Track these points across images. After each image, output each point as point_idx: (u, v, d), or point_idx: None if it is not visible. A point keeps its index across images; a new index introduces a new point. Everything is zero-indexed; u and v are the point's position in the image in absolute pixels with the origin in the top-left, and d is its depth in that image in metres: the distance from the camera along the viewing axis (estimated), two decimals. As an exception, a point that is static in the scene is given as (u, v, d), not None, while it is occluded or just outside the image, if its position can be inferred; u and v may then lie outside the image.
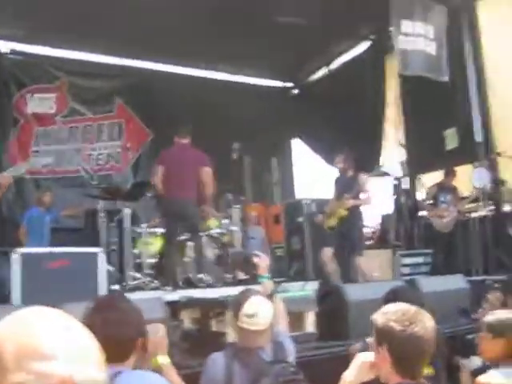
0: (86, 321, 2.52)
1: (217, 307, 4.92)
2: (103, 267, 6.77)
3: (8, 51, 11.03)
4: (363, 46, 12.14)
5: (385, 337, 2.32)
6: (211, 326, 4.93)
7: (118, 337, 2.44)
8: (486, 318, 3.57)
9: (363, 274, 7.79)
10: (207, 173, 7.50)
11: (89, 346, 1.11)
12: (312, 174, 13.64)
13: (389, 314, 2.35)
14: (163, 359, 2.95)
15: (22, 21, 9.97)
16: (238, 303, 3.30)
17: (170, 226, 7.62)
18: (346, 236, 7.98)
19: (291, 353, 3.44)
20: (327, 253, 7.96)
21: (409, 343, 2.27)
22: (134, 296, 6.88)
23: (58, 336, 1.07)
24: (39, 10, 9.34)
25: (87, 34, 10.31)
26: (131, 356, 2.51)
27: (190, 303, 5.47)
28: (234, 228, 8.72)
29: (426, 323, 2.33)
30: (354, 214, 8.01)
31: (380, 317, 2.38)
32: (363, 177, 8.02)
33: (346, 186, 8.02)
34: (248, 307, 3.22)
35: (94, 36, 10.49)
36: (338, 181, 8.39)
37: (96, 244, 8.04)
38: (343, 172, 8.22)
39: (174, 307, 5.25)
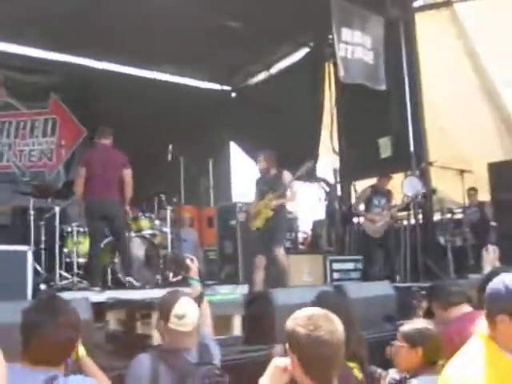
0: (27, 322, 2.50)
1: (143, 309, 4.86)
2: (31, 266, 6.64)
3: None
4: (302, 53, 12.28)
5: (293, 341, 2.33)
6: (137, 327, 4.87)
7: (59, 339, 2.42)
8: (402, 328, 3.56)
9: (283, 268, 7.76)
10: (128, 174, 7.51)
11: None
12: (249, 178, 13.66)
13: (297, 319, 2.36)
14: (82, 350, 2.99)
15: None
16: (167, 304, 3.31)
17: (94, 227, 7.52)
18: (271, 235, 7.93)
19: (217, 355, 3.46)
20: (260, 260, 7.91)
21: (313, 347, 2.26)
22: (64, 295, 6.84)
23: None
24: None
25: (25, 27, 10.10)
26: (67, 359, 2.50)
27: (117, 304, 5.40)
28: (166, 229, 8.67)
29: (332, 327, 2.32)
30: (280, 213, 7.96)
31: (290, 322, 2.38)
32: (287, 174, 7.93)
33: (270, 185, 7.95)
34: (178, 308, 3.24)
35: (31, 30, 10.28)
36: (259, 181, 8.23)
37: (24, 242, 7.86)
38: (265, 172, 8.12)
39: (100, 308, 5.18)
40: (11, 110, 11.20)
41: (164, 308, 3.31)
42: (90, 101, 11.54)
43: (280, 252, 7.79)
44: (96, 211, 7.38)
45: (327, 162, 11.81)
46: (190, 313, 3.26)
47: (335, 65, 10.22)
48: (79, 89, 11.60)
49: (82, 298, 4.60)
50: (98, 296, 6.22)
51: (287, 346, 2.37)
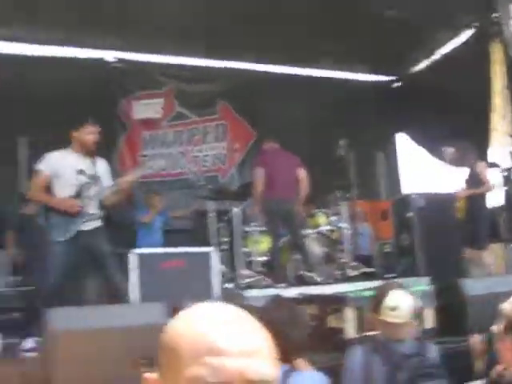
0: (264, 318, 2.53)
1: (334, 303, 4.87)
2: (216, 266, 6.86)
3: (113, 60, 11.38)
4: (465, 35, 11.73)
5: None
6: (329, 321, 4.88)
7: (293, 337, 2.46)
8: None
9: (482, 267, 7.54)
10: (302, 173, 7.63)
11: (262, 342, 1.13)
12: (417, 168, 13.33)
13: None
14: None
15: (126, 30, 10.31)
16: (379, 296, 3.35)
17: (273, 226, 7.67)
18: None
19: (431, 347, 3.40)
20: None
21: None
22: (249, 293, 7.02)
23: (232, 331, 1.11)
24: (139, 20, 9.58)
25: (189, 39, 10.51)
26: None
27: (308, 299, 5.45)
28: (343, 225, 8.63)
29: None
30: (475, 204, 7.79)
31: (509, 305, 2.30)
32: (481, 164, 7.78)
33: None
34: (390, 300, 3.26)
35: (196, 41, 10.69)
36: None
37: (206, 244, 8.18)
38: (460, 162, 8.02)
39: (293, 304, 5.23)
40: (183, 120, 11.68)
41: (376, 300, 3.35)
42: (255, 103, 11.77)
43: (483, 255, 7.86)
44: (274, 210, 7.52)
45: (501, 145, 11.20)
46: (402, 304, 3.25)
47: (503, 43, 9.67)
48: (245, 92, 11.83)
49: (276, 294, 4.66)
50: (289, 292, 6.31)
51: (502, 329, 2.27)
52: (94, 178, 5.94)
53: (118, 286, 5.79)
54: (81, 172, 5.87)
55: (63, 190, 5.81)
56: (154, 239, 8.72)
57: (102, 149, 10.72)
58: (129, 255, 6.44)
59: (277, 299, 2.88)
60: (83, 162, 5.94)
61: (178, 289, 6.38)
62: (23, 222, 8.31)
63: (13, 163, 9.69)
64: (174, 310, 4.11)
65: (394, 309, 3.19)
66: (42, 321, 4.07)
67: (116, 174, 10.74)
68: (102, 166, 6.10)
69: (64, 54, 10.97)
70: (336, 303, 4.80)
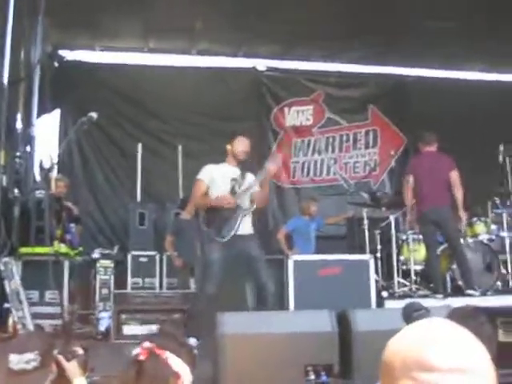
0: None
1: (503, 316, 4.64)
2: (373, 274, 6.79)
3: (264, 69, 11.62)
4: None
5: None
6: (498, 335, 4.65)
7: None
8: None
9: None
10: (455, 176, 7.27)
11: (478, 360, 1.12)
12: None
13: None
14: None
15: (278, 38, 10.49)
16: None
17: (427, 234, 7.45)
18: None
19: None
20: None
21: None
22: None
23: (446, 348, 1.12)
24: (291, 27, 9.69)
25: (337, 44, 10.53)
26: None
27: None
28: (504, 234, 8.24)
29: None
30: None
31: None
32: None
33: None
34: None
35: (345, 46, 10.69)
36: None
37: (360, 251, 8.13)
38: None
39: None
40: (333, 126, 11.69)
41: None
42: (406, 108, 11.59)
43: None
44: (427, 218, 7.32)
45: None
46: None
47: None
48: (395, 97, 11.72)
49: (444, 305, 4.54)
50: (446, 302, 6.11)
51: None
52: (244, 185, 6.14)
53: (269, 292, 5.86)
54: (234, 180, 6.09)
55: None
56: (308, 245, 8.77)
57: (256, 157, 11.23)
58: (287, 262, 6.52)
59: (460, 310, 2.76)
60: (235, 172, 6.15)
61: (335, 296, 6.38)
62: (180, 226, 8.64)
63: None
64: (339, 319, 4.12)
65: None
66: (211, 324, 4.21)
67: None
68: (250, 179, 6.21)
69: (217, 64, 11.37)
70: (506, 316, 4.58)
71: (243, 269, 6.54)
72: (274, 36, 10.32)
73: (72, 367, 2.56)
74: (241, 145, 6.16)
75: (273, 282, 5.92)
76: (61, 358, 2.55)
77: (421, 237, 7.95)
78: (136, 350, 1.97)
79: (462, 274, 7.32)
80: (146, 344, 1.97)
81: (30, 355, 2.24)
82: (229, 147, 6.20)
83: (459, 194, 7.24)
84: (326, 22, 9.49)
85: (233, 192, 6.04)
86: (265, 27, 9.76)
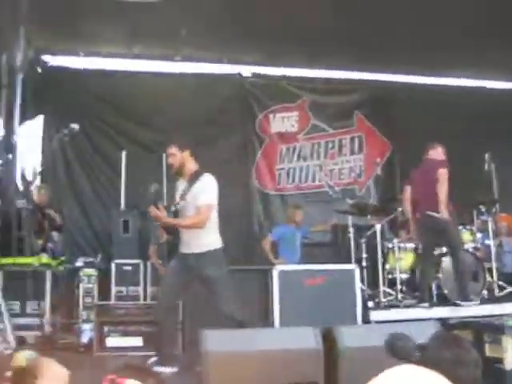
0: (430, 357, 2.38)
1: (491, 331, 4.58)
2: (358, 284, 6.77)
3: (250, 75, 11.57)
4: None
5: None
6: (485, 350, 4.60)
7: (462, 377, 2.27)
8: None
9: None
10: (442, 174, 7.17)
11: None
12: None
13: None
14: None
15: (261, 45, 10.46)
16: None
17: (425, 243, 7.44)
18: None
19: None
20: None
21: None
22: (390, 315, 6.86)
23: None
24: (275, 34, 9.66)
25: (320, 50, 10.49)
26: None
27: (463, 325, 5.19)
28: (489, 242, 8.24)
29: None
30: None
31: None
32: None
33: None
34: None
35: (328, 52, 10.65)
36: None
37: (345, 259, 8.11)
38: None
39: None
40: (319, 132, 11.65)
41: None
42: (391, 115, 11.57)
43: None
44: (424, 225, 7.31)
45: None
46: None
47: None
48: (381, 104, 11.69)
49: (431, 320, 4.50)
50: (432, 312, 6.10)
51: None
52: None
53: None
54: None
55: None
56: (293, 253, 8.73)
57: (241, 162, 11.19)
58: (272, 272, 6.48)
59: (442, 336, 2.70)
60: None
61: (321, 306, 6.36)
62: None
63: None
64: (324, 335, 4.07)
65: None
66: (194, 340, 4.16)
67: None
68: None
69: (202, 70, 11.30)
70: (493, 331, 4.53)
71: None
72: (259, 42, 10.25)
73: None
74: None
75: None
76: None
77: (407, 245, 7.96)
78: None
79: (459, 282, 7.26)
80: (110, 376, 1.97)
81: None
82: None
83: (442, 189, 7.13)
84: (312, 27, 9.43)
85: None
86: (249, 33, 9.70)
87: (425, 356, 2.32)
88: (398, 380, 1.14)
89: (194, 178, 5.58)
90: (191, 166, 5.66)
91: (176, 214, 5.62)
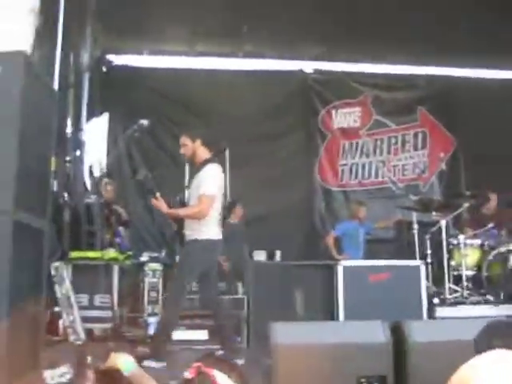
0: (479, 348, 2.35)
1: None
2: (424, 280, 6.69)
3: (311, 71, 11.56)
4: None
5: None
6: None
7: None
8: None
9: None
10: None
11: None
12: None
13: None
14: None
15: (323, 40, 10.44)
16: None
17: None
18: None
19: None
20: None
21: None
22: (456, 312, 6.75)
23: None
24: (337, 29, 9.63)
25: (383, 45, 10.42)
26: None
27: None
28: None
29: None
30: None
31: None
32: None
33: None
34: None
35: (390, 47, 10.56)
36: None
37: (408, 256, 8.00)
38: None
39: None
40: (381, 128, 11.56)
41: None
42: (455, 110, 11.38)
43: None
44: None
45: None
46: None
47: None
48: (444, 99, 11.51)
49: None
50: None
51: None
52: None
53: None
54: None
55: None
56: (357, 249, 8.69)
57: (304, 158, 11.21)
58: (337, 268, 6.47)
59: (496, 324, 2.61)
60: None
61: (386, 303, 6.31)
62: (228, 230, 8.63)
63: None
64: (393, 329, 4.04)
65: None
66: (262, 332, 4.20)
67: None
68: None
69: (264, 67, 11.35)
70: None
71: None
72: (321, 37, 10.25)
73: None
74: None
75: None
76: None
77: (473, 241, 7.82)
78: (186, 373, 2.00)
79: None
80: (195, 364, 2.00)
81: (62, 369, 2.25)
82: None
83: None
84: (374, 22, 9.38)
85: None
86: (311, 28, 9.70)
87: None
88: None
89: (200, 167, 5.64)
90: (202, 154, 5.67)
91: (183, 203, 5.76)
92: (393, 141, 11.53)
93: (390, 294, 6.44)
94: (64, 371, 2.24)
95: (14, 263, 4.11)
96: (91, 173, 8.89)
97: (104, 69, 10.81)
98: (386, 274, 6.54)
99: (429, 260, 7.80)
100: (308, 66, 11.60)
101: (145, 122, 5.91)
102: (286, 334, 3.93)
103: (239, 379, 2.00)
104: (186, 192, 6.02)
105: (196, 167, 5.73)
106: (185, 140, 5.69)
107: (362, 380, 3.85)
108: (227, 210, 8.86)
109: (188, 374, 1.97)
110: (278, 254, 8.46)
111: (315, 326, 4.26)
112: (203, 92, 10.66)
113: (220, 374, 1.95)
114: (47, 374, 2.23)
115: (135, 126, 5.96)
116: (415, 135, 11.59)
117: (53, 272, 6.19)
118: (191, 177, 6.03)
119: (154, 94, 10.67)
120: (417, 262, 6.85)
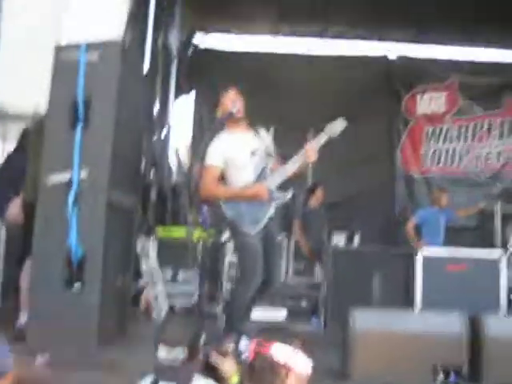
0: None
1: None
2: (504, 272, 6.60)
3: (395, 58, 11.45)
4: None
5: None
6: None
7: None
8: None
9: None
10: None
11: None
12: None
13: None
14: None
15: (409, 23, 10.33)
16: None
17: None
18: None
19: None
20: None
21: None
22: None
23: None
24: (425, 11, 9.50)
25: (471, 28, 10.23)
26: None
27: None
28: None
29: None
30: None
31: None
32: None
33: None
34: None
35: (480, 30, 10.34)
36: None
37: (489, 245, 7.88)
38: None
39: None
40: (467, 114, 11.32)
41: None
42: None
43: None
44: None
45: None
46: None
47: None
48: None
49: None
50: None
51: None
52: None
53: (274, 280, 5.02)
54: (253, 154, 5.03)
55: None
56: (436, 237, 8.61)
57: (386, 144, 11.16)
58: (416, 257, 6.48)
59: None
60: (247, 141, 5.12)
61: (463, 293, 6.28)
62: (307, 213, 8.71)
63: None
64: (471, 321, 4.07)
65: None
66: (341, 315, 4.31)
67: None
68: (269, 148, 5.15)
69: (347, 51, 11.34)
70: None
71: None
72: (408, 18, 10.11)
73: (227, 365, 2.66)
74: (227, 98, 5.10)
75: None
76: (216, 355, 2.66)
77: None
78: (245, 354, 2.08)
79: None
80: (252, 346, 2.04)
81: (177, 350, 2.35)
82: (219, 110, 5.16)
83: None
84: (464, 4, 9.21)
85: (262, 178, 5.01)
86: (398, 9, 9.60)
87: None
88: None
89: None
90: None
91: None
92: (478, 128, 11.25)
93: (468, 284, 6.39)
94: (178, 353, 2.35)
95: (107, 239, 4.38)
96: (177, 152, 9.13)
97: (191, 50, 11.02)
98: (464, 264, 6.50)
99: (510, 251, 7.68)
100: (393, 49, 11.49)
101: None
102: (366, 319, 4.04)
103: (301, 346, 2.06)
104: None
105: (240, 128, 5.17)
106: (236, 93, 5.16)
107: (439, 368, 3.92)
108: (308, 193, 8.98)
109: (247, 357, 2.04)
110: (357, 237, 8.48)
111: (394, 314, 4.34)
112: (289, 75, 10.74)
113: (279, 344, 1.99)
114: (162, 350, 2.35)
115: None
116: (502, 123, 11.26)
117: (139, 247, 6.46)
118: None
119: (240, 75, 10.80)
120: (497, 254, 6.75)
